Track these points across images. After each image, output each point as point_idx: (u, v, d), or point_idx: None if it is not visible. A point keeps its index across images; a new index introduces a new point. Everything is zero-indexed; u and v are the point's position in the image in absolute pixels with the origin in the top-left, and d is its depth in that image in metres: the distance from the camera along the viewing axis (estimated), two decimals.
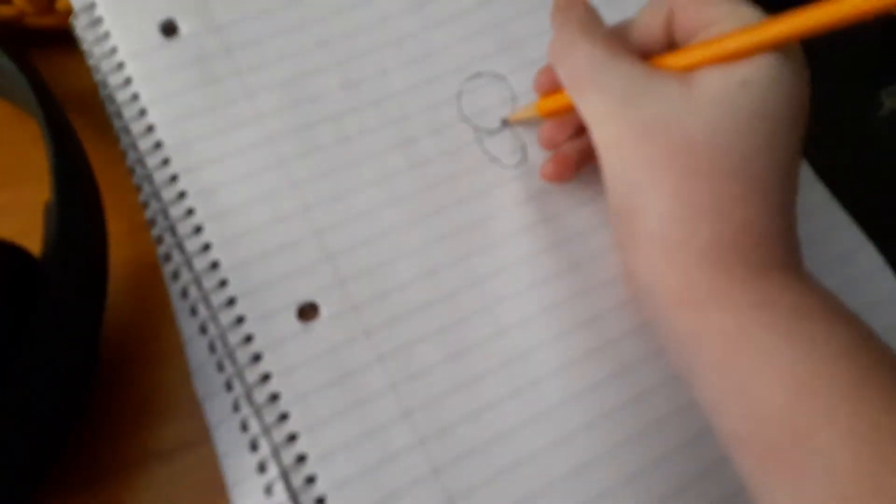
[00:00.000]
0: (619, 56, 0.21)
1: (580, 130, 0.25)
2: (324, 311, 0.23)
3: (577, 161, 0.25)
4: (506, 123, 0.26)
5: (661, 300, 0.20)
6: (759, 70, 0.19)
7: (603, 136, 0.21)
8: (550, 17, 0.23)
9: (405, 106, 0.26)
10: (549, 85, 0.25)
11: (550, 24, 0.23)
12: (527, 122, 0.26)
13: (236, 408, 0.22)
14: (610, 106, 0.20)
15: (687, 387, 0.21)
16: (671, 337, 0.21)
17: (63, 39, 0.28)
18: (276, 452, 0.22)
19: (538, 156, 0.26)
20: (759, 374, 0.18)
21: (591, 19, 0.22)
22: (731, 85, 0.19)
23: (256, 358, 0.23)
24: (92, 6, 0.26)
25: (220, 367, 0.23)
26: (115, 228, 0.25)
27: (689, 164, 0.19)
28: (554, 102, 0.24)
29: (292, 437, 0.22)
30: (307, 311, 0.23)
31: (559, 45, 0.22)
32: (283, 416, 0.22)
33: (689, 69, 0.20)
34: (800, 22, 0.18)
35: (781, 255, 0.20)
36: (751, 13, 0.20)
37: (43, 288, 0.21)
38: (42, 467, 0.22)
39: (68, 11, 0.27)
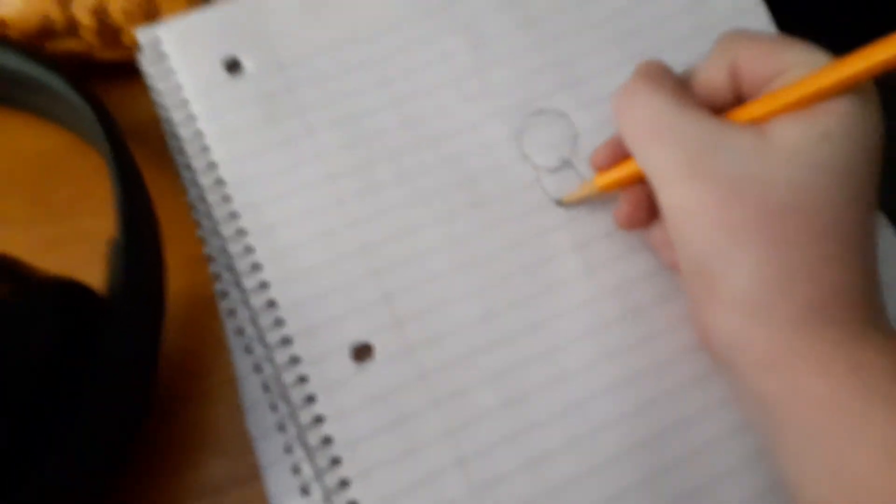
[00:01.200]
0: (687, 108, 0.20)
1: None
2: (378, 352, 0.23)
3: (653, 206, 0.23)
4: (561, 204, 0.25)
5: (744, 362, 0.19)
6: (838, 120, 0.18)
7: (673, 196, 0.20)
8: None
9: (464, 144, 0.26)
10: (609, 160, 0.24)
11: None
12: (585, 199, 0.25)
13: (288, 449, 0.22)
14: (679, 162, 0.19)
15: (765, 452, 0.20)
16: (754, 400, 0.20)
17: (124, 71, 0.28)
18: (327, 498, 0.21)
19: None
20: (854, 445, 0.17)
21: (659, 69, 0.21)
22: (811, 138, 0.18)
23: (310, 399, 0.22)
24: (157, 41, 0.26)
25: (274, 407, 0.22)
26: (172, 259, 0.25)
27: (777, 226, 0.18)
28: (615, 174, 0.23)
29: (344, 483, 0.21)
30: (362, 352, 0.23)
31: (623, 93, 0.21)
32: (336, 461, 0.22)
33: (762, 121, 0.19)
34: (873, 57, 0.18)
35: (871, 314, 0.19)
36: (821, 56, 0.19)
37: (107, 326, 0.21)
38: (96, 501, 0.22)
39: (134, 44, 0.28)
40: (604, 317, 0.24)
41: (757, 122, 0.19)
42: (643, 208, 0.23)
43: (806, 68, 0.19)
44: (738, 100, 0.21)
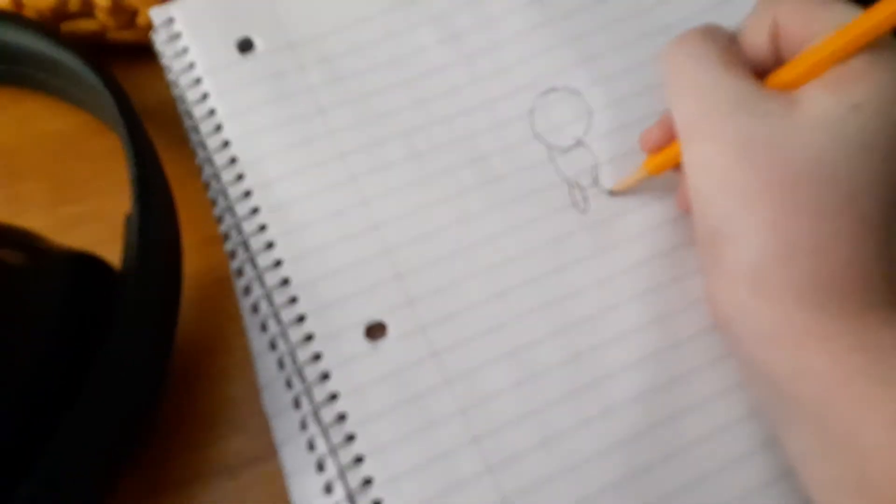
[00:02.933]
0: (729, 66, 0.19)
1: None
2: (391, 330, 0.23)
3: None
4: (614, 193, 0.25)
5: (747, 336, 0.19)
6: (870, 92, 0.18)
7: (693, 152, 0.19)
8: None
9: (476, 123, 0.25)
10: (658, 141, 0.23)
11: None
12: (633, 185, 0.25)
13: (304, 426, 0.22)
14: (704, 117, 0.19)
15: (774, 431, 0.20)
16: (761, 378, 0.20)
17: (142, 53, 0.28)
18: (342, 474, 0.21)
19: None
20: (862, 423, 0.17)
21: (715, 27, 0.21)
22: (841, 108, 0.18)
23: (325, 376, 0.22)
24: (171, 21, 0.26)
25: (289, 385, 0.23)
26: (187, 240, 0.25)
27: (791, 195, 0.18)
28: (662, 158, 0.23)
29: (359, 460, 0.22)
30: (375, 331, 0.23)
31: (673, 42, 0.21)
32: (350, 438, 0.22)
33: (791, 86, 0.19)
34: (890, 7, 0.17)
35: (884, 292, 0.18)
36: (855, 13, 0.18)
37: (122, 299, 0.21)
38: (113, 478, 0.23)
39: (148, 26, 0.28)
40: (619, 295, 0.24)
41: (787, 88, 0.19)
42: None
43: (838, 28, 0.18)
44: (780, 63, 0.20)
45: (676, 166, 0.23)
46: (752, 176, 0.18)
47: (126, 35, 0.29)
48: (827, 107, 0.18)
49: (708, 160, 0.19)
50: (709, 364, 0.23)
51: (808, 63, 0.19)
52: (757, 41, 0.20)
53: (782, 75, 0.19)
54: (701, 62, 0.19)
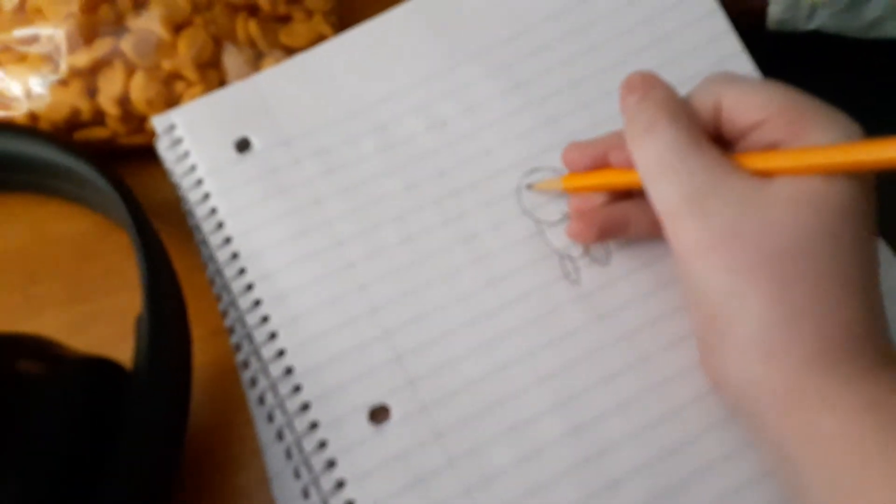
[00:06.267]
0: (699, 144, 0.20)
1: (612, 200, 0.25)
2: (394, 412, 0.23)
3: (602, 227, 0.24)
4: (530, 188, 0.26)
5: (760, 407, 0.20)
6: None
7: (680, 232, 0.20)
8: (623, 97, 0.22)
9: (465, 203, 0.26)
10: (575, 162, 0.25)
11: (621, 107, 0.22)
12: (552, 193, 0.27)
13: None
14: (684, 199, 0.20)
15: (784, 494, 0.20)
16: (773, 446, 0.20)
17: (151, 154, 0.30)
18: None
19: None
20: (873, 483, 0.17)
21: (674, 101, 0.21)
22: (815, 182, 0.19)
23: (331, 464, 0.23)
24: (172, 128, 0.28)
25: (297, 474, 0.23)
26: (197, 332, 0.26)
27: (783, 268, 0.19)
28: (580, 181, 0.25)
29: None
30: (378, 414, 0.24)
31: (639, 126, 0.21)
32: None
33: (768, 175, 0.20)
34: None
35: (882, 351, 0.19)
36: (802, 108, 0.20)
37: (133, 400, 0.22)
38: None
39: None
40: (613, 366, 0.24)
41: (761, 174, 0.20)
42: (592, 225, 0.24)
43: (816, 129, 0.19)
44: (719, 139, 0.21)
45: (585, 192, 0.25)
46: (744, 254, 0.19)
47: (136, 139, 0.31)
48: (799, 183, 0.19)
49: (698, 243, 0.20)
50: (710, 428, 0.23)
51: (791, 163, 0.19)
52: (701, 112, 0.21)
53: (754, 162, 0.20)
54: (673, 150, 0.20)
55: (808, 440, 0.18)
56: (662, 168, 0.20)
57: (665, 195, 0.20)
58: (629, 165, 0.22)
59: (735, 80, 0.21)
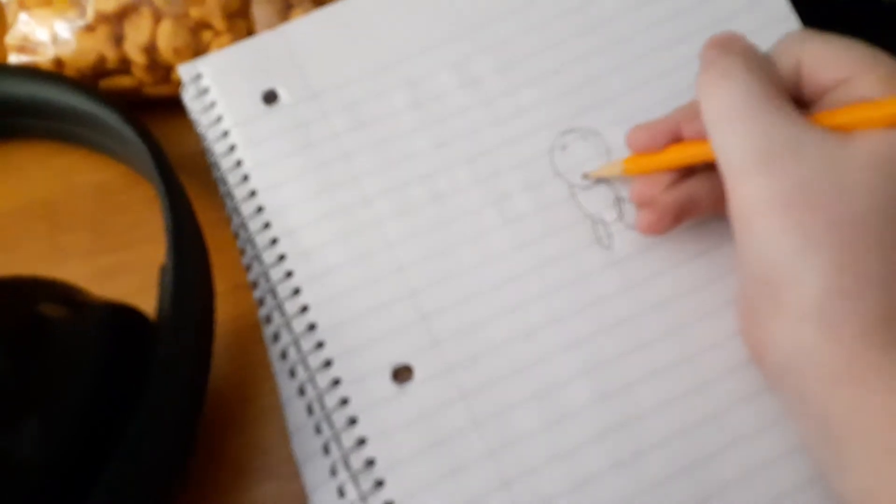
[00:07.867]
0: (776, 98, 0.19)
1: (676, 181, 0.23)
2: (418, 372, 0.23)
3: (676, 213, 0.23)
4: (587, 178, 0.25)
5: (807, 376, 0.19)
6: None
7: (744, 189, 0.19)
8: (703, 49, 0.21)
9: (497, 163, 0.26)
10: (646, 143, 0.23)
11: (701, 57, 0.21)
12: (616, 178, 0.25)
13: (334, 472, 0.22)
14: (756, 153, 0.19)
15: (823, 474, 0.19)
16: (815, 416, 0.19)
17: (177, 105, 0.30)
18: None
19: (635, 210, 0.25)
20: None
21: (755, 53, 0.20)
22: (894, 147, 0.18)
23: (352, 421, 0.23)
24: (199, 77, 0.27)
25: (318, 430, 0.23)
26: (220, 286, 0.26)
27: (855, 234, 0.18)
28: (644, 163, 0.23)
29: None
30: (401, 373, 0.23)
31: (714, 74, 0.20)
32: (380, 483, 0.22)
33: (846, 129, 0.19)
34: None
35: None
36: (892, 66, 0.18)
37: (157, 349, 0.22)
38: None
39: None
40: (644, 334, 0.23)
41: (839, 129, 0.19)
42: (665, 218, 0.23)
43: (880, 76, 0.18)
44: (799, 100, 0.20)
45: (650, 173, 0.23)
46: (815, 217, 0.18)
47: (162, 90, 0.30)
48: (882, 145, 0.18)
49: (765, 201, 0.19)
50: (742, 401, 0.22)
51: (870, 114, 0.18)
52: (781, 73, 0.20)
53: (836, 118, 0.19)
54: (748, 99, 0.19)
55: (856, 416, 0.18)
56: (735, 117, 0.19)
57: (734, 147, 0.19)
58: (704, 137, 0.21)
59: (818, 36, 0.20)
